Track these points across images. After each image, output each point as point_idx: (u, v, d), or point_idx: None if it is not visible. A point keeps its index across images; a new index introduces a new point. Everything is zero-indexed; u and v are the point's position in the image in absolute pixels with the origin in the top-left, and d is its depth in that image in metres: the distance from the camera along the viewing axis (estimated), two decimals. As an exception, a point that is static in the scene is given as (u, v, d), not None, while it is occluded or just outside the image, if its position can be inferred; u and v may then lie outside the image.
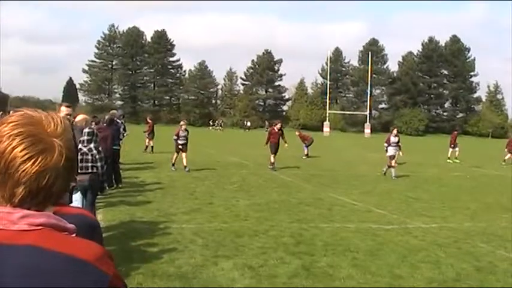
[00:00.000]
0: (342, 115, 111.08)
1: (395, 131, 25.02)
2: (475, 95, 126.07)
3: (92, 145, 9.83)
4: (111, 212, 13.10)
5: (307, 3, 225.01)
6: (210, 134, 70.85)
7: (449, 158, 35.00)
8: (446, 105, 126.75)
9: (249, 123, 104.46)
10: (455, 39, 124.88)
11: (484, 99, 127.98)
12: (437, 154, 41.99)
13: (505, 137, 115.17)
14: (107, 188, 14.98)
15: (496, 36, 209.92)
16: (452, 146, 35.42)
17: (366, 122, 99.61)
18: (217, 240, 10.43)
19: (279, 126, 26.48)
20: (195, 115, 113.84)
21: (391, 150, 23.78)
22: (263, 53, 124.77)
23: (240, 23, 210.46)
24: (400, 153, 24.59)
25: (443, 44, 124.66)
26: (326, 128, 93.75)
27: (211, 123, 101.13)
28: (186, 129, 23.01)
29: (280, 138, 25.88)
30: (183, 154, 22.76)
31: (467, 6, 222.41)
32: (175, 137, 22.94)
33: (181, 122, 24.05)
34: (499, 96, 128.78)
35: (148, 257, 9.10)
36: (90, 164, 9.76)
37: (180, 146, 22.83)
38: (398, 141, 24.18)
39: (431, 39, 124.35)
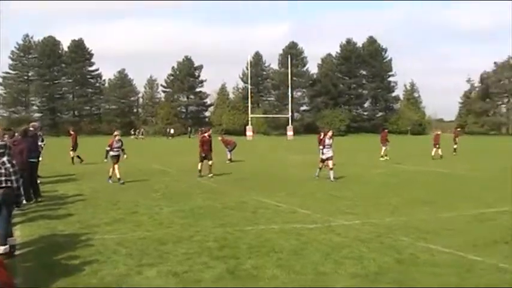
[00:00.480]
0: (264, 119, 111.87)
1: (330, 133, 24.65)
2: (393, 94, 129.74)
3: (4, 158, 9.52)
4: (30, 227, 12.73)
5: (226, 8, 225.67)
6: (133, 143, 69.90)
7: (382, 156, 35.94)
8: (366, 104, 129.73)
9: (172, 131, 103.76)
10: (372, 40, 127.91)
11: (402, 97, 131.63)
12: (359, 153, 42.88)
13: (423, 134, 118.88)
14: (25, 202, 14.57)
15: (411, 37, 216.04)
16: (383, 143, 36.42)
17: (288, 124, 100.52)
18: (141, 249, 10.28)
19: (210, 132, 26.31)
20: (117, 124, 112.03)
21: (327, 152, 23.48)
22: (183, 59, 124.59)
23: (158, 29, 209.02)
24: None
25: (360, 45, 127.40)
26: (249, 132, 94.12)
27: (132, 132, 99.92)
28: (120, 140, 22.44)
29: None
30: (116, 166, 22.06)
31: (383, 8, 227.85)
32: (109, 148, 22.28)
33: (115, 133, 23.24)
34: (415, 95, 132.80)
35: (70, 270, 8.88)
36: (3, 178, 9.46)
37: (114, 157, 22.14)
38: (331, 143, 23.92)
39: (349, 41, 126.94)
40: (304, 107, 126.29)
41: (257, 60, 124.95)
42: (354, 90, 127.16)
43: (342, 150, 45.21)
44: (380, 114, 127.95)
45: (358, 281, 8.32)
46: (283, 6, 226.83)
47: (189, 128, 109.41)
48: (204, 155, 24.93)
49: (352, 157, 38.01)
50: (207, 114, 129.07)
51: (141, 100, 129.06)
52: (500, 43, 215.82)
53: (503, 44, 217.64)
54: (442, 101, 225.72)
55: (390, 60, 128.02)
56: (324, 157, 23.56)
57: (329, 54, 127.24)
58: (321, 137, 29.02)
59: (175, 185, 21.32)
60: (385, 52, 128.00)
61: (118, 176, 21.80)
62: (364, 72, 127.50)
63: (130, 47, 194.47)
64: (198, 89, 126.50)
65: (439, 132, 39.50)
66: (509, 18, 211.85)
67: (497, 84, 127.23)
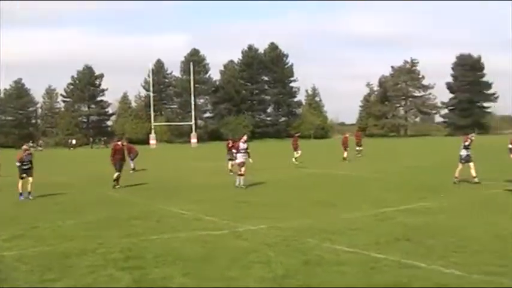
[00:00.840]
0: (167, 126, 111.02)
1: (245, 137, 24.08)
2: (296, 99, 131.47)
3: None
4: None
5: (125, 16, 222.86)
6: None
7: (296, 160, 36.48)
8: (269, 110, 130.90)
9: (74, 141, 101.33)
10: (273, 47, 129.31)
11: (304, 102, 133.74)
12: (264, 158, 43.18)
13: (326, 137, 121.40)
14: None
15: (311, 43, 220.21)
16: (295, 149, 36.98)
17: (192, 132, 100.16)
18: (43, 264, 9.93)
19: (123, 141, 26.18)
20: (15, 136, 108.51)
21: (240, 157, 22.95)
22: (83, 68, 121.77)
23: (56, 38, 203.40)
24: (250, 160, 23.55)
25: (262, 52, 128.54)
26: (152, 141, 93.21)
27: (31, 144, 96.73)
28: (30, 153, 21.22)
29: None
30: (30, 179, 20.73)
31: (284, 15, 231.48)
32: (19, 163, 20.77)
33: (24, 146, 22.12)
34: (317, 99, 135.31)
35: (-34, 290, 8.48)
36: None
37: (23, 172, 20.77)
38: (247, 148, 23.31)
39: (250, 47, 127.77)
40: (207, 114, 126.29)
41: (159, 68, 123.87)
42: (256, 96, 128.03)
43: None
44: (283, 119, 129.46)
45: (266, 284, 8.35)
46: (184, 14, 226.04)
47: (91, 138, 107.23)
48: (117, 164, 24.34)
49: (257, 162, 38.24)
50: (109, 123, 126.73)
51: (40, 110, 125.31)
52: (397, 48, 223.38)
53: (400, 49, 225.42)
54: (343, 105, 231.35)
55: (292, 65, 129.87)
56: (237, 161, 23.11)
57: (231, 61, 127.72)
58: (230, 144, 29.29)
59: (79, 197, 20.80)
60: (287, 58, 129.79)
61: (29, 189, 20.56)
62: (266, 78, 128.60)
63: (26, 56, 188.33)
64: (99, 98, 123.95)
65: (347, 135, 40.68)
66: (404, 25, 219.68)
67: (395, 88, 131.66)
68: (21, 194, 20.52)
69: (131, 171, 32.32)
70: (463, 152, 21.92)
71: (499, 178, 22.26)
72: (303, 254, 10.18)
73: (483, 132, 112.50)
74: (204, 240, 11.68)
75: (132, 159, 33.77)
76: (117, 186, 23.77)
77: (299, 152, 36.94)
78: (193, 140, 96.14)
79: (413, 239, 11.24)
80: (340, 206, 16.58)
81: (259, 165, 35.47)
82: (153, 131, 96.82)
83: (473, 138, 22.33)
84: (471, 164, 21.63)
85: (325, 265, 9.34)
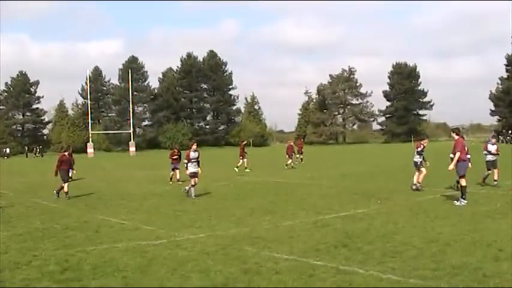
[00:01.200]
0: (105, 135, 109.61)
1: (194, 146, 22.48)
2: (235, 107, 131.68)
3: None
4: None
5: (61, 22, 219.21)
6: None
7: (246, 168, 37.40)
8: (208, 118, 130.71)
9: (8, 150, 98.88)
10: (212, 54, 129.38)
11: (243, 110, 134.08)
12: (203, 166, 43.01)
13: (265, 145, 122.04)
14: None
15: (247, 50, 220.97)
16: (241, 156, 37.28)
17: (130, 140, 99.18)
18: (-26, 279, 9.62)
19: (70, 151, 25.52)
20: None
21: (191, 167, 21.64)
22: (17, 74, 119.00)
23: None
24: (199, 169, 22.10)
25: (201, 60, 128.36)
26: (90, 149, 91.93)
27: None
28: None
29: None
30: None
31: (219, 23, 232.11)
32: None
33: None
34: (256, 107, 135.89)
35: None
36: None
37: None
38: (198, 157, 22.00)
39: (189, 55, 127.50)
40: (146, 122, 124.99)
41: (96, 75, 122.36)
42: (195, 104, 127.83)
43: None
44: (222, 127, 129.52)
45: (205, 294, 8.30)
46: (123, 21, 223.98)
47: (26, 147, 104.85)
48: (64, 175, 23.53)
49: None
50: (45, 131, 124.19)
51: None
52: (335, 57, 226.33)
53: (338, 58, 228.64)
54: (282, 112, 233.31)
55: (231, 73, 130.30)
56: (189, 172, 21.69)
57: (170, 69, 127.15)
58: (175, 153, 29.40)
59: (12, 208, 20.23)
60: (226, 66, 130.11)
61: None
62: (205, 86, 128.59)
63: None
64: (35, 106, 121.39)
65: (291, 143, 41.26)
66: (341, 33, 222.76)
67: (333, 96, 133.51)
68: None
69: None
70: (417, 158, 22.18)
71: (435, 184, 22.78)
72: (242, 263, 10.15)
73: (419, 139, 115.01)
74: (142, 250, 11.52)
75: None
76: (67, 196, 22.93)
77: (244, 160, 37.69)
78: (132, 149, 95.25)
79: (352, 245, 11.36)
80: (279, 214, 16.63)
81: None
82: (90, 140, 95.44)
83: (425, 144, 22.63)
84: (423, 169, 21.93)
85: (264, 273, 9.33)
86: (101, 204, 20.70)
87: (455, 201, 17.49)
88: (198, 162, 21.94)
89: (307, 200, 19.96)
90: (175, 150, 29.52)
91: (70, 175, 32.48)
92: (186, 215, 17.07)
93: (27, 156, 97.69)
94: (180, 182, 27.85)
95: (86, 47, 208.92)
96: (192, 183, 21.62)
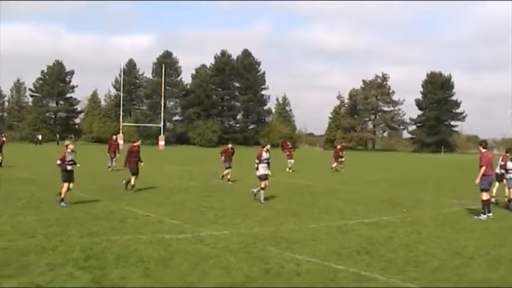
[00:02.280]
0: (136, 127, 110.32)
1: (268, 146, 21.10)
2: (266, 107, 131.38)
3: None
4: None
5: (100, 14, 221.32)
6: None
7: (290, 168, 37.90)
8: (239, 116, 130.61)
9: (40, 137, 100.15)
10: (246, 53, 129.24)
11: (273, 111, 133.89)
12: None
13: (293, 147, 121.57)
14: None
15: (278, 52, 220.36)
16: (336, 158, 39.35)
17: (160, 134, 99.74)
18: (0, 260, 9.80)
19: (139, 142, 24.69)
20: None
21: (262, 169, 20.25)
22: (53, 63, 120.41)
23: (24, 31, 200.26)
24: (269, 171, 20.64)
25: (235, 58, 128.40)
26: (120, 141, 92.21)
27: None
28: (73, 151, 18.50)
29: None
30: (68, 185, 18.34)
31: (252, 24, 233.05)
32: (60, 162, 18.06)
33: (67, 142, 19.07)
34: (287, 108, 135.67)
35: None
36: None
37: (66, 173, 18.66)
38: (269, 158, 20.75)
39: (223, 53, 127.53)
40: (176, 117, 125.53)
41: (131, 68, 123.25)
42: (226, 101, 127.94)
43: (214, 161, 45.39)
44: (252, 126, 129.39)
45: (225, 290, 8.36)
46: (159, 16, 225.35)
47: (58, 135, 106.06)
48: (133, 167, 23.02)
49: (223, 168, 38.19)
50: (77, 121, 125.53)
51: (6, 104, 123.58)
52: (369, 62, 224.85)
53: (372, 64, 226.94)
54: (312, 116, 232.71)
55: (264, 73, 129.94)
56: (259, 174, 20.20)
57: (203, 65, 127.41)
58: (230, 148, 28.84)
59: (42, 194, 20.54)
60: (259, 65, 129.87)
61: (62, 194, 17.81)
62: (237, 85, 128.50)
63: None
64: (68, 95, 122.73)
65: (339, 146, 41.25)
66: (377, 40, 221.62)
67: (365, 102, 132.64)
68: (62, 200, 17.67)
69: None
70: (498, 171, 21.01)
71: (463, 197, 22.59)
72: (263, 262, 10.20)
73: (449, 150, 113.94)
74: (166, 243, 11.64)
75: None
76: (134, 189, 22.52)
77: (340, 162, 38.86)
78: (161, 143, 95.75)
79: (374, 252, 11.35)
80: (304, 216, 16.65)
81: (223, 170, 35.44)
82: (121, 131, 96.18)
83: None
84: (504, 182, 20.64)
85: (285, 275, 9.37)
86: (128, 195, 20.91)
87: (475, 216, 17.29)
88: (268, 163, 20.58)
89: (332, 204, 19.94)
90: (230, 148, 28.84)
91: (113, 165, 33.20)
92: (211, 211, 17.17)
93: (58, 144, 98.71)
94: (230, 183, 27.21)
95: (122, 40, 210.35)
96: (262, 185, 20.12)
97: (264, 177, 20.13)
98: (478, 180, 17.48)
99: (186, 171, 29.64)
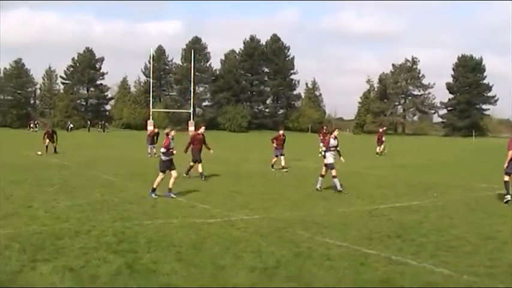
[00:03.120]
0: (166, 113, 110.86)
1: (336, 132, 19.78)
2: (295, 92, 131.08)
3: None
4: None
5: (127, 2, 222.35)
6: (29, 136, 67.84)
7: (377, 153, 39.48)
8: (268, 101, 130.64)
9: (71, 125, 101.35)
10: (275, 38, 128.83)
11: (303, 95, 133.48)
12: (260, 150, 43.17)
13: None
14: None
15: (307, 38, 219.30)
16: (379, 142, 40.02)
17: (190, 119, 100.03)
18: (35, 244, 9.97)
19: (203, 130, 23.82)
20: (12, 116, 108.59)
21: (330, 157, 18.89)
22: (84, 51, 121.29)
23: (54, 20, 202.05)
24: (342, 158, 19.77)
25: (264, 43, 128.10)
26: (150, 127, 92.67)
27: (31, 126, 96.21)
28: (173, 138, 17.48)
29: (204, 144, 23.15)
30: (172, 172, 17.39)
31: (281, 11, 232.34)
32: (164, 150, 17.08)
33: (167, 130, 17.91)
34: (316, 93, 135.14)
35: (-42, 266, 8.50)
36: None
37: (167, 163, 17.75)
38: (337, 145, 19.42)
39: (252, 38, 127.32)
40: (206, 103, 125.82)
41: (160, 54, 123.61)
42: (256, 87, 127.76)
43: (244, 146, 45.52)
44: (281, 111, 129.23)
45: (256, 274, 8.40)
46: (189, 3, 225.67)
47: (89, 122, 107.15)
48: (196, 155, 22.68)
49: (254, 153, 38.31)
50: (107, 107, 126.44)
51: (38, 91, 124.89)
52: (398, 46, 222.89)
53: (401, 47, 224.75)
54: (342, 100, 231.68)
55: (293, 58, 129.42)
56: (327, 162, 18.90)
57: (232, 51, 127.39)
58: (281, 135, 27.82)
59: (74, 179, 20.81)
60: (288, 50, 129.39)
61: (170, 185, 16.98)
62: (266, 70, 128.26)
63: (26, 37, 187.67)
64: (98, 82, 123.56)
65: (381, 130, 41.39)
66: (406, 23, 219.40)
67: (395, 86, 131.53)
68: (153, 190, 16.77)
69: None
70: None
71: (494, 181, 22.32)
72: (294, 246, 10.23)
73: (480, 134, 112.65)
74: (197, 228, 11.73)
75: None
76: (203, 177, 21.96)
77: (382, 146, 39.49)
78: (191, 128, 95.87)
79: (405, 237, 11.30)
80: (334, 201, 16.64)
81: (255, 156, 35.54)
82: (151, 117, 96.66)
83: None
84: None
85: (316, 258, 9.39)
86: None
87: (504, 200, 16.89)
88: (338, 151, 19.40)
89: (363, 188, 19.88)
90: (281, 134, 28.09)
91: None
92: (241, 196, 17.24)
93: (89, 131, 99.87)
94: (285, 170, 26.11)
95: (147, 27, 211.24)
96: (333, 173, 18.55)
97: (332, 166, 18.68)
98: (505, 165, 17.17)
99: (215, 157, 29.63)
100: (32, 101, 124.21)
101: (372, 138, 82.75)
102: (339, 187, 18.36)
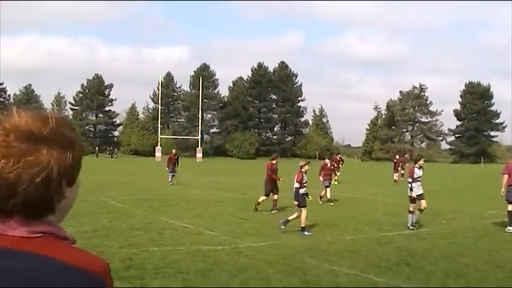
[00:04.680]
0: (173, 140, 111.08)
1: (421, 161, 17.75)
2: (303, 119, 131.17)
3: None
4: None
5: (137, 28, 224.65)
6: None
7: (395, 181, 39.92)
8: (276, 128, 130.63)
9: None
10: (283, 65, 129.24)
11: (310, 122, 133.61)
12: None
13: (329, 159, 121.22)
14: None
15: (311, 62, 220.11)
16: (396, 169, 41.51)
17: (198, 146, 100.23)
18: (42, 270, 9.93)
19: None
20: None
21: (418, 189, 16.95)
22: (93, 77, 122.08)
23: (63, 45, 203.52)
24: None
25: (271, 70, 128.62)
26: (158, 153, 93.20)
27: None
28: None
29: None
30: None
31: (283, 35, 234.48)
32: (298, 185, 16.01)
33: (302, 163, 17.04)
34: (324, 120, 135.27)
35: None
36: None
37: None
38: (421, 175, 17.37)
39: (260, 65, 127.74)
40: (214, 130, 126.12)
41: (168, 81, 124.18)
42: (264, 114, 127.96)
43: (251, 173, 45.51)
44: (289, 138, 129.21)
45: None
46: (195, 29, 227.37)
47: (97, 148, 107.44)
48: (270, 187, 21.27)
49: (261, 180, 38.20)
50: (116, 133, 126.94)
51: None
52: (406, 73, 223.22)
53: (408, 75, 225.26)
54: (347, 127, 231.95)
55: (300, 85, 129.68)
56: (413, 195, 16.85)
57: (240, 78, 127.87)
58: (328, 164, 26.33)
59: (80, 205, 20.75)
60: (296, 77, 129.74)
61: (303, 224, 15.57)
62: (274, 97, 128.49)
63: (36, 63, 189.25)
64: (107, 108, 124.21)
65: (398, 157, 41.40)
66: (413, 50, 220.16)
67: (402, 113, 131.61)
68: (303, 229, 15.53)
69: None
70: None
71: (503, 207, 22.17)
72: (302, 274, 10.17)
73: (489, 161, 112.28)
74: (204, 255, 11.68)
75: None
76: (274, 211, 20.51)
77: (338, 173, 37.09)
78: (199, 155, 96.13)
79: (414, 264, 11.23)
80: (342, 228, 16.56)
81: (262, 183, 35.44)
82: (159, 144, 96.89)
83: None
84: None
85: (323, 286, 9.33)
86: (166, 207, 21.04)
87: (506, 229, 16.78)
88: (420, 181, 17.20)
89: (371, 215, 19.79)
90: (338, 156, 25.79)
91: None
92: (249, 223, 17.19)
93: (97, 156, 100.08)
94: (332, 204, 23.61)
95: (159, 53, 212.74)
96: (423, 205, 16.85)
97: (421, 197, 16.91)
98: (502, 190, 17.10)
99: (223, 183, 29.70)
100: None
101: (380, 165, 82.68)
102: (411, 222, 16.63)
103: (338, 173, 37.28)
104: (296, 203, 15.85)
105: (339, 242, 13.89)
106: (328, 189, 24.85)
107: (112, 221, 16.61)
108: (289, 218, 15.72)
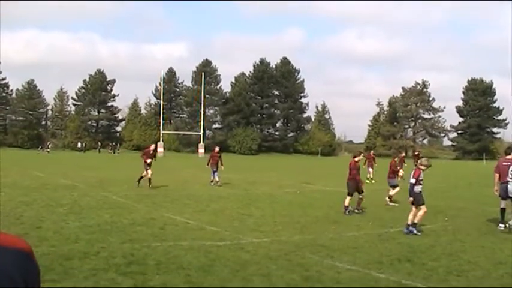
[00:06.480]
0: (176, 135, 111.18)
1: (425, 161, 16.41)
2: (305, 115, 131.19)
3: None
4: None
5: (138, 23, 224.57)
6: (39, 157, 68.10)
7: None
8: (278, 124, 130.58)
9: (79, 145, 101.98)
10: (285, 61, 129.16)
11: (313, 118, 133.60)
12: (270, 172, 43.15)
13: (332, 155, 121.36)
14: None
15: (312, 59, 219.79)
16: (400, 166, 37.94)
17: (200, 142, 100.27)
18: (44, 265, 9.92)
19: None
20: (23, 137, 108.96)
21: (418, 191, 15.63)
22: (95, 72, 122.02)
23: (65, 41, 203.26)
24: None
25: (274, 66, 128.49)
26: (160, 149, 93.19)
27: (49, 146, 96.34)
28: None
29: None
30: None
31: (287, 31, 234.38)
32: None
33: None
34: (326, 116, 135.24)
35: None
36: None
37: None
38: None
39: (262, 61, 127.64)
40: (216, 125, 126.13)
41: (171, 77, 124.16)
42: (266, 109, 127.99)
43: (253, 169, 45.56)
44: (291, 134, 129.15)
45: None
46: (197, 24, 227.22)
47: (99, 143, 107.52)
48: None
49: (263, 176, 38.26)
50: (118, 129, 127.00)
51: (50, 112, 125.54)
52: (408, 70, 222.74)
53: (411, 71, 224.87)
54: (349, 123, 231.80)
55: (303, 81, 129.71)
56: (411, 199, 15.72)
57: (242, 74, 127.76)
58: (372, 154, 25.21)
59: (83, 200, 20.82)
60: (298, 73, 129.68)
61: (416, 220, 15.21)
62: (276, 93, 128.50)
63: (39, 58, 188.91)
64: (109, 103, 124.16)
65: (403, 155, 40.21)
66: (416, 46, 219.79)
67: (405, 109, 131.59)
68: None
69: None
70: None
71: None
72: (304, 270, 10.17)
73: (491, 158, 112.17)
74: (206, 250, 11.69)
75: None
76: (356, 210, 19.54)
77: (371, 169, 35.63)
78: (201, 150, 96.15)
79: (416, 261, 11.22)
80: (344, 224, 16.56)
81: (264, 178, 35.54)
82: (161, 139, 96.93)
83: None
84: None
85: (325, 282, 9.33)
86: (168, 202, 21.04)
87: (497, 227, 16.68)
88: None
89: (373, 212, 19.79)
90: (372, 153, 24.31)
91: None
92: (251, 218, 17.19)
93: (99, 152, 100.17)
94: (357, 211, 19.61)
95: (161, 48, 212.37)
96: (423, 210, 15.35)
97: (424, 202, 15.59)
98: (495, 188, 17.11)
99: (225, 179, 29.61)
100: (43, 122, 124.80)
101: (381, 162, 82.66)
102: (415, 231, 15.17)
103: (371, 170, 35.69)
104: (411, 199, 15.46)
105: (341, 238, 13.89)
106: (396, 189, 23.24)
107: (114, 216, 16.61)
108: (410, 218, 15.15)
